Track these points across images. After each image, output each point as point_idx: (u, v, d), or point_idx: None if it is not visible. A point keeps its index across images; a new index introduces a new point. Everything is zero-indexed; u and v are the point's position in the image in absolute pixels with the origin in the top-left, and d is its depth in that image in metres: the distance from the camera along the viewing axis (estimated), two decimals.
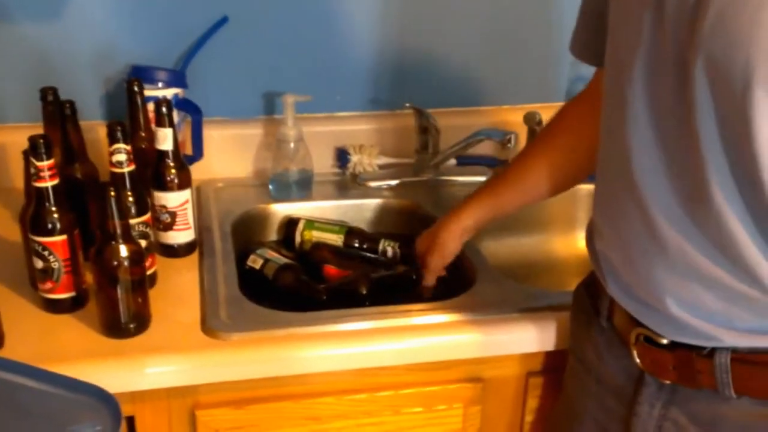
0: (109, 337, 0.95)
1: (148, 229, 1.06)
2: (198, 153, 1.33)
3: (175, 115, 1.20)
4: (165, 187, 1.10)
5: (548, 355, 1.04)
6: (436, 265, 1.15)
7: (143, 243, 1.02)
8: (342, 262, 1.22)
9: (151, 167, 1.11)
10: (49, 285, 0.98)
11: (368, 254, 1.25)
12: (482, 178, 1.42)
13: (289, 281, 1.14)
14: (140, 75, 1.23)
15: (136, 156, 1.03)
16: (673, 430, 0.82)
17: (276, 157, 1.32)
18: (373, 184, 1.38)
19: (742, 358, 0.75)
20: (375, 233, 1.31)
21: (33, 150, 0.92)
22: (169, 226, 1.12)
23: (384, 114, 1.44)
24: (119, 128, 0.99)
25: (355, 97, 1.43)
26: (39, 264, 0.97)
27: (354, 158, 1.39)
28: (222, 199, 1.31)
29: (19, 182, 1.07)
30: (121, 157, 1.01)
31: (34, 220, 0.95)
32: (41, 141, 0.91)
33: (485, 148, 1.44)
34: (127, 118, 1.18)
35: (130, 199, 1.03)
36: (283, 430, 1.01)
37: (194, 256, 1.15)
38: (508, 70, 1.48)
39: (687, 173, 0.71)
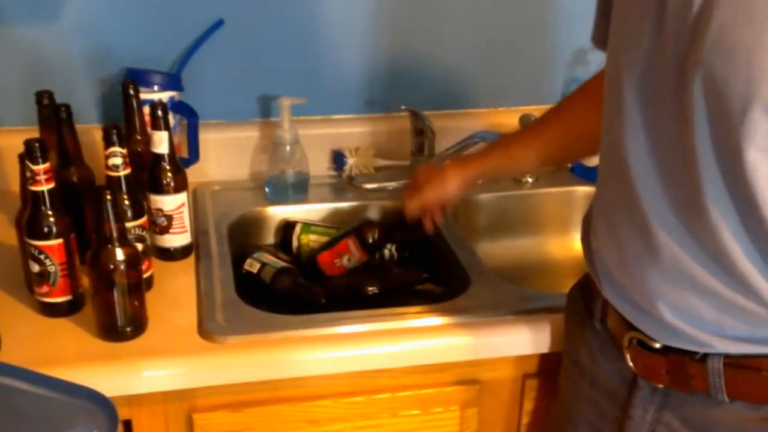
0: (106, 340, 0.95)
1: (144, 233, 1.06)
2: (194, 156, 1.33)
3: (171, 118, 1.20)
4: (161, 190, 1.10)
5: (544, 357, 1.04)
6: (430, 198, 1.14)
7: (139, 246, 1.01)
8: (330, 244, 1.23)
9: (147, 170, 1.10)
10: (45, 288, 0.98)
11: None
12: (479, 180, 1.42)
13: (287, 285, 1.14)
14: (136, 78, 1.23)
15: (132, 159, 1.03)
16: None
17: (272, 159, 1.33)
18: (369, 186, 1.38)
19: (734, 362, 0.75)
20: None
21: (29, 154, 0.92)
22: (165, 230, 1.12)
23: (379, 116, 1.45)
24: (115, 131, 0.99)
25: (350, 99, 1.43)
26: (35, 268, 0.97)
27: (350, 161, 1.39)
28: (218, 202, 1.31)
29: (15, 186, 1.07)
30: (117, 160, 1.01)
31: (30, 224, 0.95)
32: (37, 145, 0.91)
33: None
34: (123, 121, 1.18)
35: (126, 202, 1.03)
36: None
37: (190, 260, 1.15)
38: (503, 73, 1.48)
39: (682, 183, 0.71)
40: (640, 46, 0.72)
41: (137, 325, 0.97)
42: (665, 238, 0.73)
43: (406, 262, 1.26)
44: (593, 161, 1.42)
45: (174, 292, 1.07)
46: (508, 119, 1.43)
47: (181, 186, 1.12)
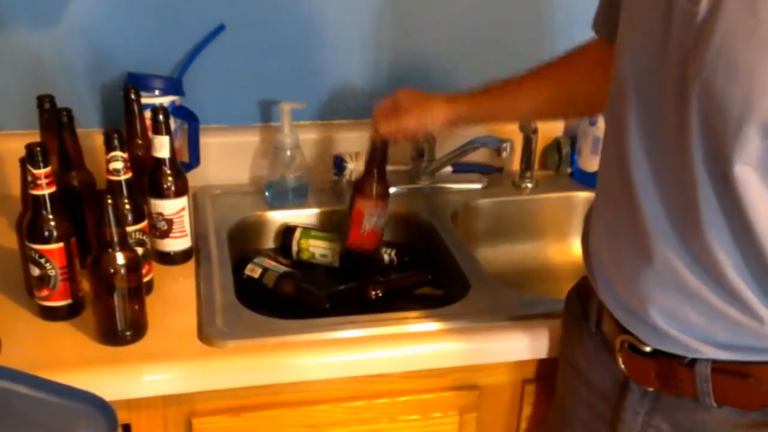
0: (106, 344, 0.95)
1: (144, 237, 1.06)
2: (194, 160, 1.33)
3: (172, 123, 1.20)
4: (162, 194, 1.10)
5: (543, 363, 1.04)
6: (409, 126, 1.13)
7: (140, 250, 1.02)
8: (346, 225, 1.22)
9: (148, 174, 1.11)
10: (45, 292, 0.98)
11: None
12: (477, 186, 1.43)
13: (291, 290, 1.14)
14: (137, 83, 1.23)
15: (132, 163, 1.04)
16: None
17: (272, 164, 1.33)
18: None
19: (722, 368, 0.76)
20: None
21: (30, 158, 0.92)
22: (165, 234, 1.12)
23: None
24: (116, 136, 1.00)
25: (351, 104, 1.43)
26: (35, 271, 0.97)
27: (350, 165, 1.39)
28: (218, 207, 1.32)
29: (16, 189, 1.07)
30: (118, 164, 1.01)
31: (30, 228, 0.95)
32: (38, 149, 0.92)
33: (480, 155, 1.44)
34: (124, 125, 1.18)
35: (127, 206, 1.03)
36: None
37: (191, 264, 1.15)
38: (503, 77, 1.48)
39: (678, 192, 0.71)
40: (646, 49, 0.72)
41: (137, 329, 0.97)
42: (659, 243, 0.74)
43: (406, 266, 1.27)
44: (592, 165, 1.42)
45: (174, 297, 1.07)
46: (509, 124, 1.43)
47: (181, 190, 1.12)
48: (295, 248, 1.28)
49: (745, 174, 0.65)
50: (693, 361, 0.77)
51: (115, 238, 0.93)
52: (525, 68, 1.47)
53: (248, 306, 1.05)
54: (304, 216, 1.33)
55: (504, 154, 1.31)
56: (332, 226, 1.32)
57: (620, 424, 0.85)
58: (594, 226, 0.87)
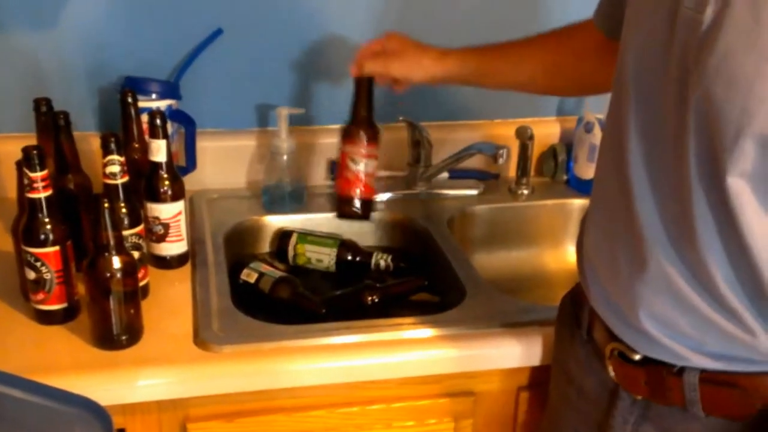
0: (101, 348, 0.95)
1: (140, 241, 1.06)
2: (191, 164, 1.33)
3: (169, 127, 1.20)
4: (158, 198, 1.10)
5: (538, 370, 1.05)
6: (395, 71, 1.10)
7: (136, 254, 1.02)
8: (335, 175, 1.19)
9: (145, 178, 1.11)
10: (41, 296, 0.98)
11: None
12: (474, 192, 1.43)
13: (287, 295, 1.14)
14: (134, 86, 1.23)
15: (129, 167, 1.03)
16: None
17: (269, 169, 1.33)
18: None
19: (710, 378, 0.76)
20: (367, 246, 1.31)
21: (27, 161, 0.92)
22: (162, 238, 1.12)
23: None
24: (113, 140, 1.00)
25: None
26: (31, 275, 0.97)
27: None
28: (215, 211, 1.32)
29: (12, 192, 1.07)
30: (115, 168, 1.01)
31: (26, 231, 0.95)
32: (35, 152, 0.92)
33: (476, 161, 1.45)
34: (121, 129, 1.18)
35: (124, 210, 1.03)
36: None
37: (187, 268, 1.15)
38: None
39: (673, 198, 0.71)
40: (649, 47, 0.72)
41: (133, 333, 0.97)
42: (654, 248, 0.74)
43: (402, 272, 1.27)
44: (588, 172, 1.42)
45: (170, 301, 1.07)
46: (505, 131, 1.44)
47: (178, 194, 1.12)
48: (291, 253, 1.28)
49: (738, 185, 0.65)
50: (682, 370, 0.77)
51: (112, 242, 0.93)
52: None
53: (244, 310, 1.05)
54: (301, 221, 1.33)
55: (500, 161, 1.31)
56: (329, 230, 1.32)
57: (610, 431, 0.86)
58: (589, 230, 0.87)
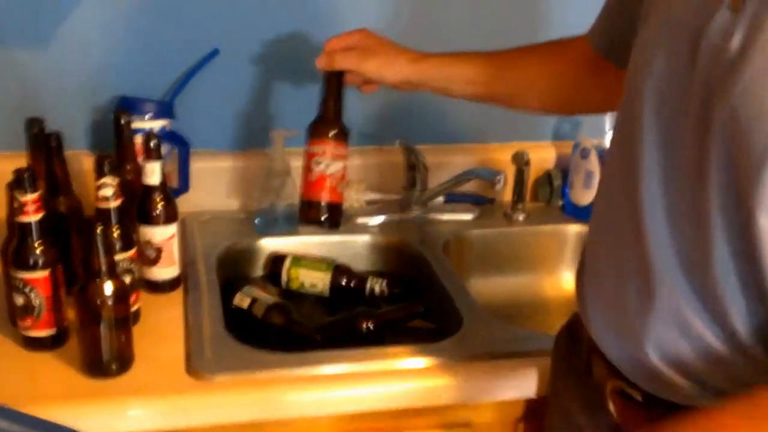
0: (91, 376, 0.93)
1: (132, 265, 1.03)
2: (184, 186, 1.31)
3: (163, 148, 1.18)
4: (151, 221, 1.08)
5: (536, 402, 1.03)
6: (368, 71, 1.06)
7: (128, 279, 0.99)
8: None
9: (138, 201, 1.09)
10: (29, 322, 0.95)
11: None
12: (469, 216, 1.42)
13: (280, 321, 1.12)
14: (128, 106, 1.21)
15: (122, 188, 1.02)
16: None
17: (263, 191, 1.31)
18: (359, 220, 1.37)
19: None
20: (362, 271, 1.30)
21: (18, 183, 0.90)
22: (154, 261, 1.10)
23: (372, 149, 1.44)
24: (107, 163, 0.98)
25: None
26: (19, 300, 0.94)
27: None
28: (207, 233, 1.30)
29: (2, 212, 1.04)
30: (108, 192, 0.99)
31: (16, 255, 0.93)
32: (26, 175, 0.90)
33: (472, 185, 1.44)
34: (114, 149, 1.16)
35: (116, 234, 1.00)
36: None
37: (178, 292, 1.13)
38: (496, 108, 1.48)
39: (691, 226, 0.69)
40: (671, 71, 0.70)
41: (123, 360, 0.94)
42: (666, 277, 0.71)
43: (397, 297, 1.25)
44: (584, 198, 1.41)
45: (161, 327, 1.05)
46: (501, 155, 1.43)
47: (171, 217, 1.10)
48: (284, 278, 1.26)
49: (763, 220, 0.62)
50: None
51: (104, 268, 0.90)
52: None
53: (237, 336, 1.03)
54: (294, 244, 1.31)
55: (498, 187, 1.31)
56: (322, 253, 1.30)
57: None
58: (590, 258, 0.84)
